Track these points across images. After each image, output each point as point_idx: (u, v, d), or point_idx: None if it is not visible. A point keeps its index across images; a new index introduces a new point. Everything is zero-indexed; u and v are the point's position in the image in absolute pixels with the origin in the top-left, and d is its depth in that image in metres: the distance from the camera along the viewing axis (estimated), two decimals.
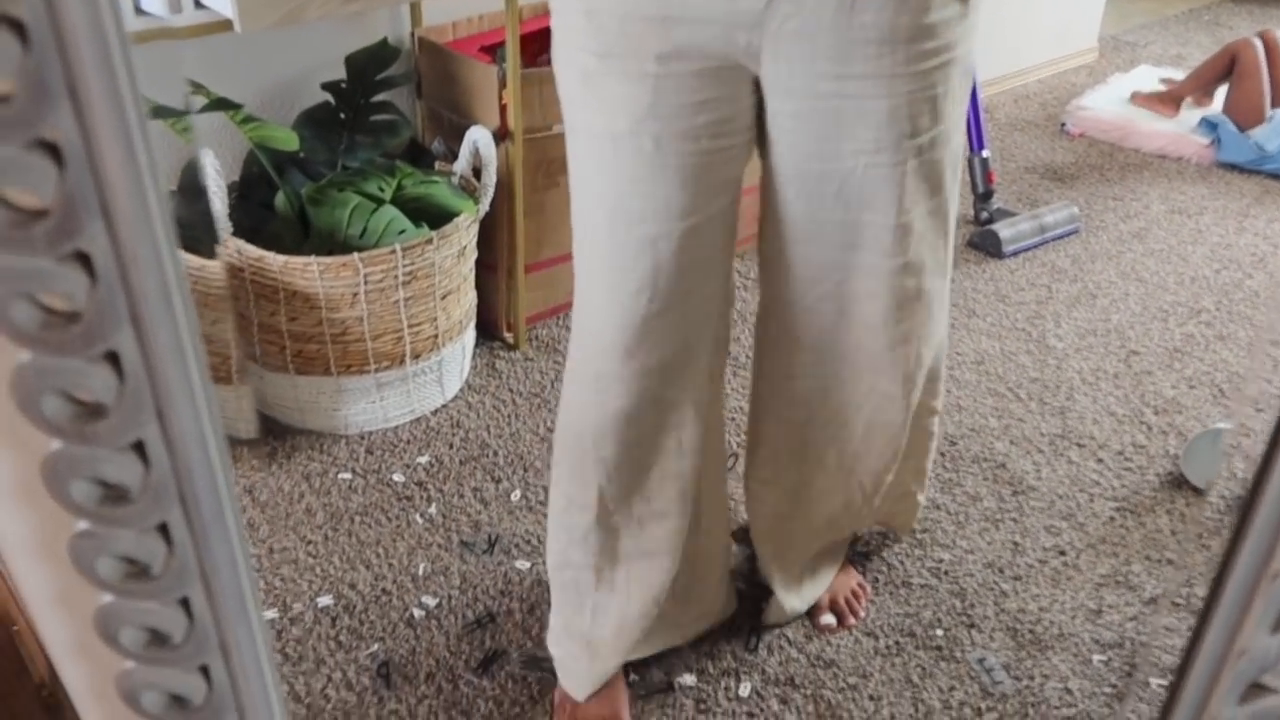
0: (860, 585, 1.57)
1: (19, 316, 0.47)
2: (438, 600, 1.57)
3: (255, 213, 1.83)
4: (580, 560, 1.33)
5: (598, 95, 1.09)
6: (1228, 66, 3.17)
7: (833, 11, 1.02)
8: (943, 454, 1.89)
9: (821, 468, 1.38)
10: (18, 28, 0.41)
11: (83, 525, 0.51)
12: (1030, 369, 2.14)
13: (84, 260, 0.46)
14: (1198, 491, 1.82)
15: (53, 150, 0.43)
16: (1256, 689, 0.52)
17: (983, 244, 2.59)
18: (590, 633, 1.36)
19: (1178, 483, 1.84)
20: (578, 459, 1.27)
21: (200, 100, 1.75)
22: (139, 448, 0.50)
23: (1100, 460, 1.89)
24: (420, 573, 1.61)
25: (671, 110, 1.08)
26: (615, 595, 1.34)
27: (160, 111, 1.72)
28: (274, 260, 1.69)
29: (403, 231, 1.77)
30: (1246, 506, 0.49)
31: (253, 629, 0.56)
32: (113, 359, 0.48)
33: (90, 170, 0.43)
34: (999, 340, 2.23)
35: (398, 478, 1.79)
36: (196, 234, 1.72)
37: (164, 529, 0.52)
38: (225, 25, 1.50)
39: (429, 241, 1.76)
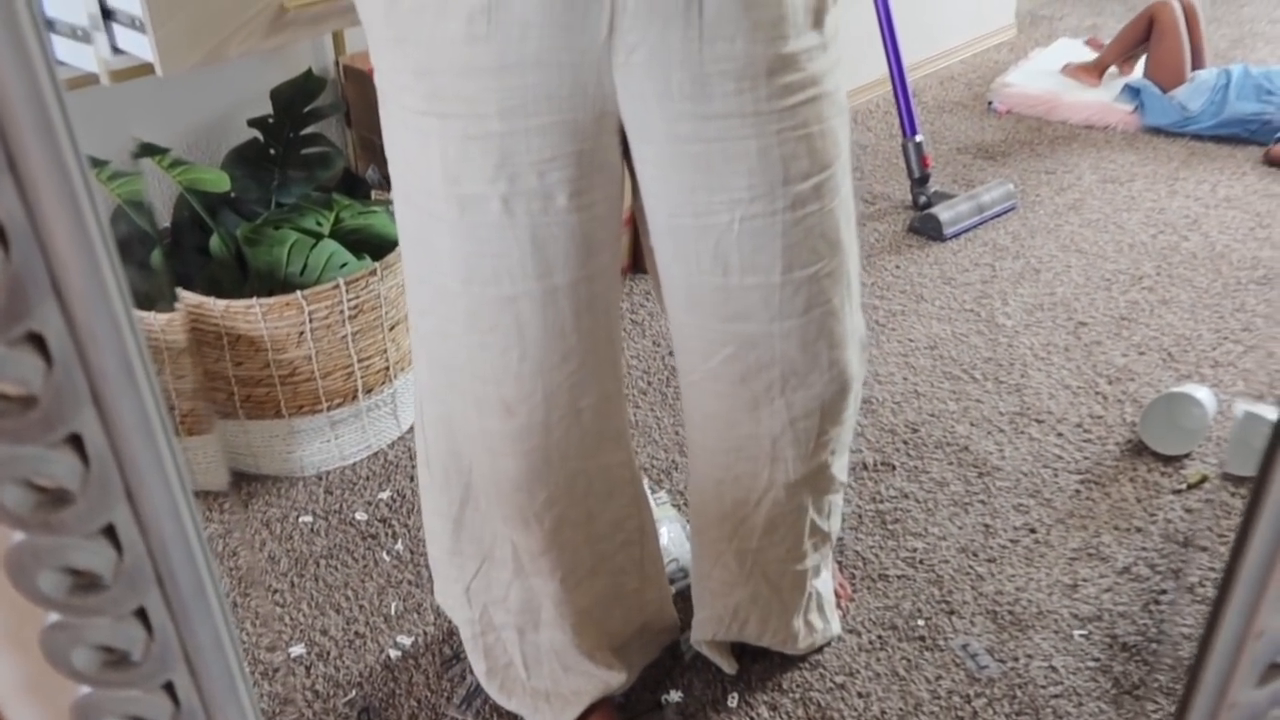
0: (840, 585, 1.57)
1: None
2: (413, 639, 1.53)
3: (190, 258, 1.79)
4: (502, 620, 1.30)
5: (439, 159, 1.01)
6: (1147, 28, 3.22)
7: (681, 40, 0.96)
8: (906, 441, 1.89)
9: (720, 565, 1.32)
10: None
11: (54, 617, 0.49)
12: (983, 349, 2.15)
13: (37, 342, 0.43)
14: (1158, 457, 1.84)
15: None
16: (1276, 669, 0.52)
17: (923, 228, 2.61)
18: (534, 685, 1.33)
19: (1138, 450, 1.86)
20: (480, 516, 1.23)
21: (139, 157, 1.71)
22: (109, 532, 0.47)
23: (1060, 434, 1.90)
24: (392, 612, 1.58)
25: (520, 169, 1.00)
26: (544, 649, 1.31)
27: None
28: (214, 305, 1.65)
29: (344, 265, 1.74)
30: (1257, 490, 0.48)
31: (243, 707, 0.53)
32: (75, 442, 0.45)
33: (38, 248, 0.40)
34: (949, 323, 2.25)
35: (360, 516, 1.75)
36: (134, 286, 1.67)
37: (142, 613, 0.49)
38: (146, 69, 1.46)
39: (372, 273, 1.73)
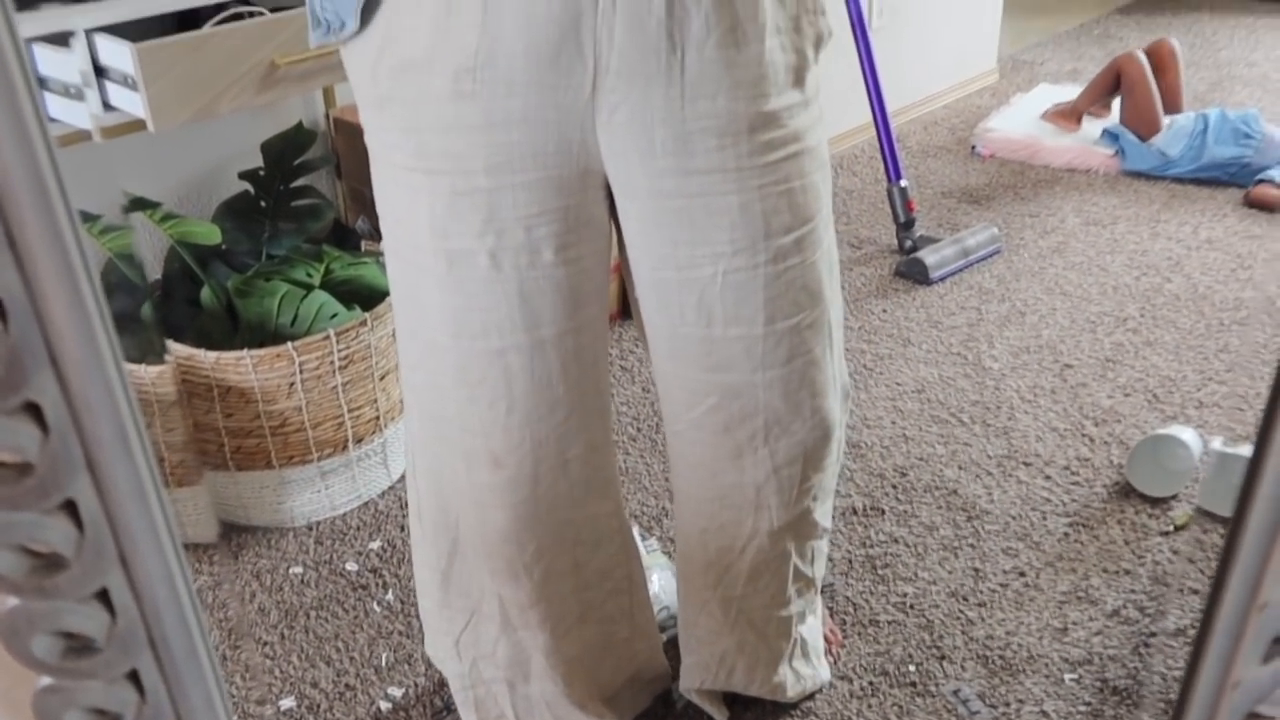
0: (831, 630, 1.57)
1: None
2: (404, 690, 1.53)
3: (181, 310, 1.80)
4: (492, 675, 1.30)
5: (428, 214, 1.03)
6: (1115, 80, 3.27)
7: (663, 99, 0.98)
8: (895, 486, 1.90)
9: (706, 613, 1.32)
10: None
11: (47, 680, 0.49)
12: (970, 392, 2.17)
13: (33, 410, 0.44)
14: (1145, 498, 1.84)
15: None
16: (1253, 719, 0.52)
17: (909, 272, 2.63)
18: None
19: (1125, 492, 1.87)
20: (468, 570, 1.23)
21: (130, 212, 1.72)
22: (103, 596, 0.48)
23: (1048, 477, 1.91)
24: (383, 663, 1.57)
25: (507, 224, 1.02)
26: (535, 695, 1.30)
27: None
28: (205, 358, 1.66)
29: (335, 315, 1.75)
30: (1231, 537, 0.49)
31: None
32: (70, 508, 0.46)
33: (35, 320, 0.41)
34: (936, 366, 2.26)
35: (351, 566, 1.75)
36: (125, 339, 1.68)
37: (134, 676, 0.50)
38: (138, 125, 1.48)
39: (363, 323, 1.74)
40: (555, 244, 1.05)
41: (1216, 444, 1.85)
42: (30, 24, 1.41)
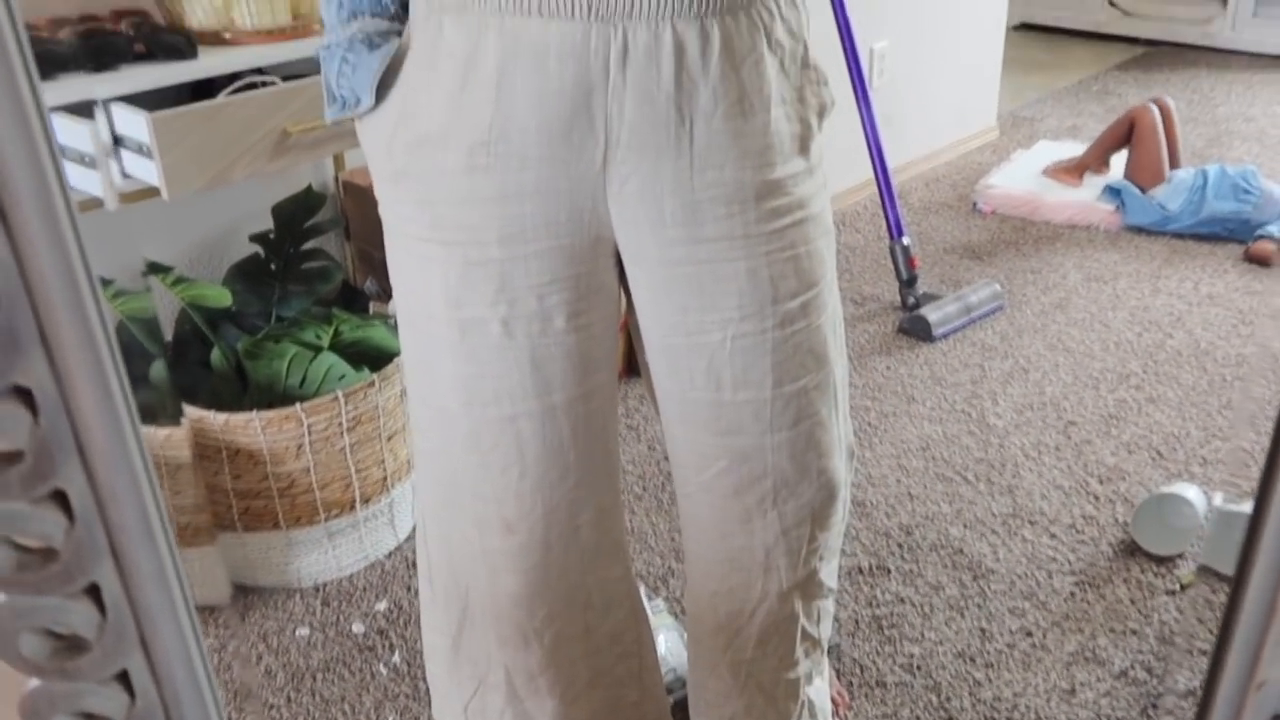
0: (839, 693, 1.56)
1: None
2: None
3: (191, 371, 1.81)
4: None
5: (441, 284, 1.05)
6: (1127, 132, 3.31)
7: (672, 170, 1.00)
8: (900, 545, 1.90)
9: (715, 676, 1.31)
10: None
11: None
12: (974, 449, 2.17)
13: (60, 498, 0.45)
14: (1151, 557, 1.84)
15: (26, 395, 0.43)
16: None
17: (913, 329, 2.65)
18: None
19: (1131, 550, 1.87)
20: (477, 638, 1.23)
21: (148, 275, 1.75)
22: (123, 678, 0.49)
23: (1054, 535, 1.92)
24: None
25: (519, 293, 1.04)
26: None
27: None
28: (214, 419, 1.67)
29: (343, 377, 1.77)
30: (1230, 608, 0.50)
31: None
32: (93, 592, 0.47)
33: (65, 412, 0.43)
34: (940, 424, 2.27)
35: (357, 628, 1.75)
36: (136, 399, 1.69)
37: None
38: (152, 192, 1.51)
39: (371, 384, 1.76)
40: (567, 311, 1.07)
41: (1219, 501, 1.85)
42: (48, 94, 1.45)
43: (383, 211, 1.10)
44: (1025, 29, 5.40)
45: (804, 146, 1.08)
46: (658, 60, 0.97)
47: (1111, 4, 5.21)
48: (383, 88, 1.04)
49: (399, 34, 1.06)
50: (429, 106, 1.01)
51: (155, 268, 1.73)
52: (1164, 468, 2.09)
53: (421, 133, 1.02)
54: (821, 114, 1.12)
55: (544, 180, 1.00)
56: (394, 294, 1.14)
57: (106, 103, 1.45)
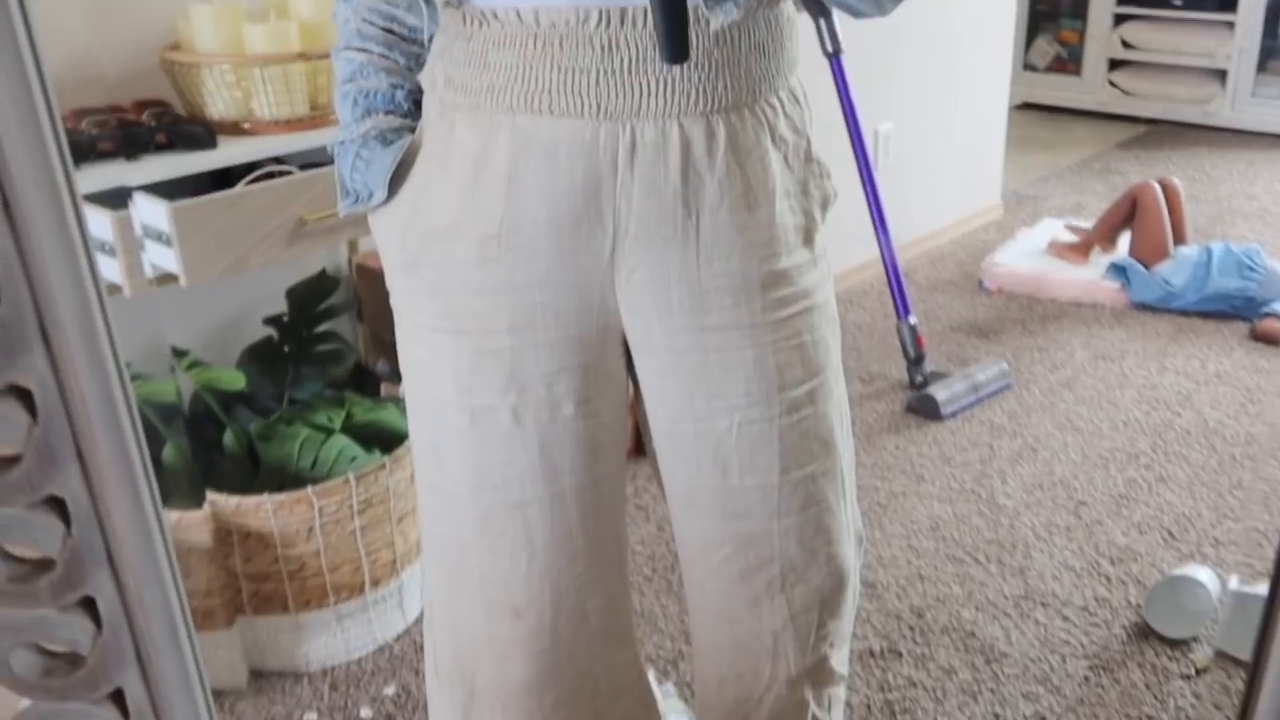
0: None
1: (20, 665, 0.47)
2: None
3: (203, 453, 1.83)
4: None
5: (452, 372, 1.06)
6: (1131, 209, 3.35)
7: (680, 260, 1.02)
8: (912, 627, 1.89)
9: None
10: (25, 396, 0.43)
11: None
12: (985, 530, 2.17)
13: (89, 605, 0.46)
14: (1165, 640, 1.83)
15: (59, 506, 0.44)
16: None
17: (920, 408, 2.65)
18: None
19: (1144, 633, 1.86)
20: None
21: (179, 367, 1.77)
22: None
23: (1066, 618, 1.90)
24: None
25: (529, 381, 1.05)
26: None
27: None
28: (225, 503, 1.68)
29: (354, 459, 1.78)
30: (1245, 701, 0.50)
31: None
32: (117, 696, 0.48)
33: (97, 524, 0.44)
34: (950, 504, 2.27)
35: (365, 713, 1.74)
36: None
37: None
38: (170, 279, 1.53)
39: (382, 466, 1.77)
40: (576, 399, 1.08)
41: (1234, 584, 1.84)
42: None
43: (394, 301, 1.12)
44: (1027, 108, 5.48)
45: (808, 238, 1.11)
46: (665, 156, 0.99)
47: (1112, 83, 5.30)
48: (395, 181, 1.06)
49: (412, 130, 1.09)
50: (442, 200, 1.03)
51: (172, 351, 1.76)
52: (1176, 548, 2.08)
53: (434, 225, 1.04)
54: (825, 206, 1.14)
55: (554, 271, 1.02)
56: (404, 382, 1.15)
57: (133, 191, 1.49)
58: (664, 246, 1.02)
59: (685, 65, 0.98)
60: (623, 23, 0.97)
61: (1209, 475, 2.33)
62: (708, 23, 0.97)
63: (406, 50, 1.09)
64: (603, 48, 0.97)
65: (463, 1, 1.05)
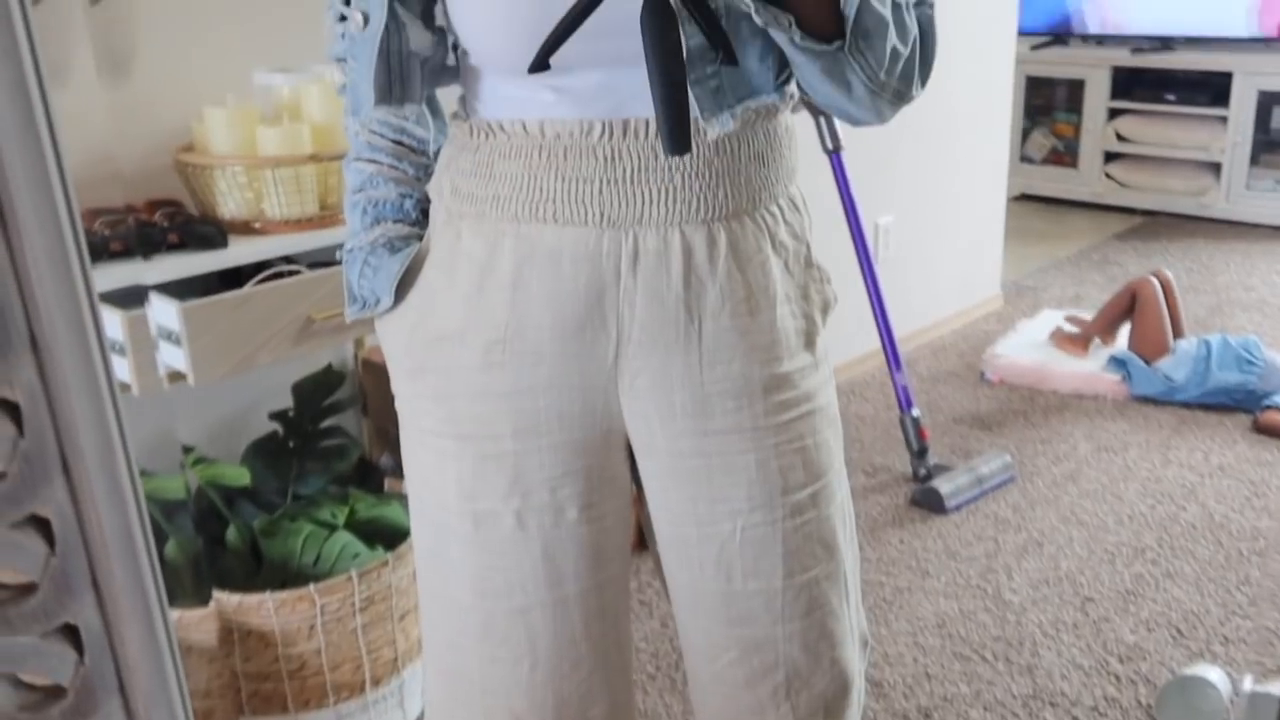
0: None
1: None
2: None
3: (206, 549, 1.82)
4: None
5: (455, 477, 1.07)
6: (1129, 303, 3.37)
7: (682, 365, 1.03)
8: None
9: None
10: (44, 526, 0.43)
11: None
12: (991, 627, 2.15)
13: None
14: None
15: (73, 634, 0.45)
16: None
17: (925, 501, 2.65)
18: None
19: None
20: None
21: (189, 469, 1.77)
22: None
23: (1075, 719, 1.88)
24: None
25: (533, 486, 1.06)
26: None
27: None
28: (227, 601, 1.67)
29: (357, 555, 1.77)
30: None
31: None
32: None
33: (110, 654, 0.44)
34: (956, 599, 2.25)
35: None
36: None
37: None
38: (178, 377, 1.54)
39: (384, 564, 1.76)
40: (580, 503, 1.08)
41: (1247, 684, 1.82)
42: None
43: (399, 406, 1.13)
44: (1024, 199, 5.56)
45: (809, 341, 1.12)
46: (667, 263, 1.01)
47: (1108, 175, 5.37)
48: (402, 287, 1.08)
49: (419, 238, 1.12)
50: (447, 306, 1.05)
51: (183, 450, 1.76)
52: (1185, 646, 2.06)
53: (439, 331, 1.06)
54: (825, 310, 1.16)
55: (558, 375, 1.04)
56: (407, 485, 1.15)
57: (148, 291, 1.51)
58: (666, 351, 1.04)
59: (686, 174, 1.01)
60: (625, 134, 0.99)
61: (1216, 571, 2.31)
62: (706, 132, 1.00)
63: (415, 161, 1.12)
64: (606, 158, 1.00)
65: (470, 114, 1.08)
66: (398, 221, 1.12)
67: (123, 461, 0.43)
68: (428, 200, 1.12)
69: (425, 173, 1.13)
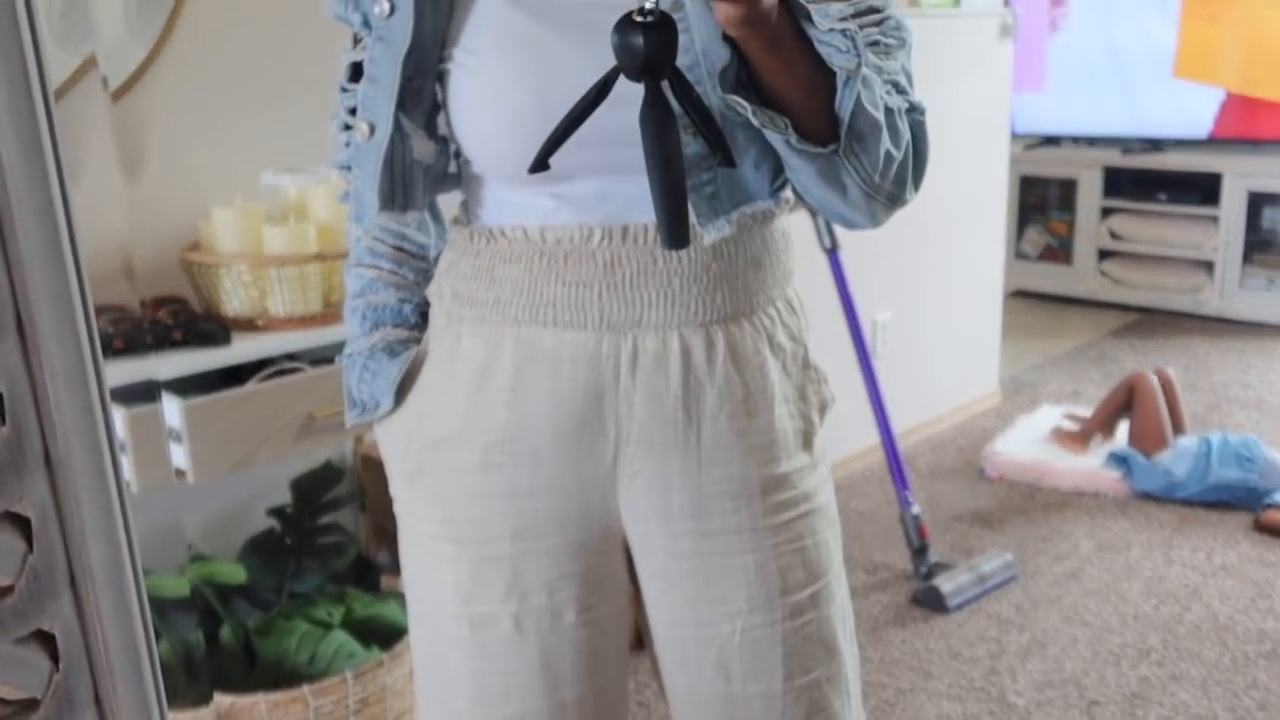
0: None
1: None
2: None
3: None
4: None
5: (453, 580, 1.07)
6: (1127, 398, 3.38)
7: (680, 466, 1.03)
8: None
9: None
10: (49, 641, 0.43)
11: None
12: None
13: None
14: None
15: None
16: None
17: (926, 600, 2.62)
18: None
19: None
20: None
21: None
22: None
23: None
24: None
25: (531, 588, 1.05)
26: None
27: None
28: (220, 702, 1.65)
29: (352, 656, 1.75)
30: None
31: None
32: None
33: None
34: (960, 702, 2.21)
35: None
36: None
37: None
38: (177, 474, 1.54)
39: (380, 664, 1.74)
40: (577, 606, 1.08)
41: None
42: None
43: (397, 509, 1.13)
44: (1020, 296, 5.60)
45: (807, 441, 1.12)
46: (666, 365, 1.02)
47: (1102, 273, 5.43)
48: (401, 390, 1.09)
49: (418, 342, 1.13)
50: (446, 409, 1.06)
51: (188, 550, 1.75)
52: None
53: (438, 434, 1.06)
54: (823, 410, 1.16)
55: (555, 477, 1.04)
56: (405, 588, 1.15)
57: (158, 387, 1.51)
58: (665, 453, 1.04)
59: (685, 278, 1.02)
60: (624, 239, 1.01)
61: (1223, 674, 2.28)
62: (703, 237, 1.01)
63: (415, 266, 1.14)
64: (605, 263, 1.01)
65: (471, 220, 1.09)
66: (397, 326, 1.13)
67: (130, 576, 0.43)
68: (427, 304, 1.13)
69: (425, 277, 1.14)
